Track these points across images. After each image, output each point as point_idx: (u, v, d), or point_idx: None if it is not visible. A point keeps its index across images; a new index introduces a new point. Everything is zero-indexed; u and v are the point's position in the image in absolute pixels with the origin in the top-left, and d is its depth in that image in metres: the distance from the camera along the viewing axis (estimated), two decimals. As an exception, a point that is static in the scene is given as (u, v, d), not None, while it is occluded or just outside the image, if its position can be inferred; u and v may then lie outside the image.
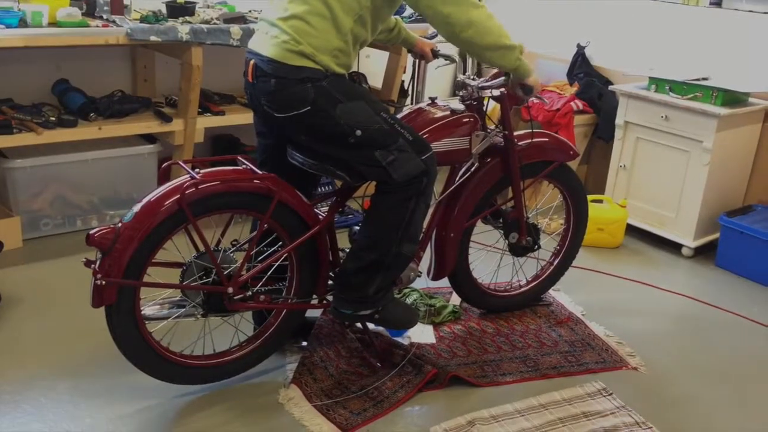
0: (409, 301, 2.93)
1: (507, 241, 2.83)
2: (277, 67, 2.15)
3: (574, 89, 4.24)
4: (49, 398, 2.30)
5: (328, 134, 2.20)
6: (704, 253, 3.70)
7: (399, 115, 2.47)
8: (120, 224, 2.07)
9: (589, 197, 3.15)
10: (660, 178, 3.72)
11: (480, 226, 2.83)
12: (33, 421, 2.20)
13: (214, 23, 3.40)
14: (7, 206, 3.32)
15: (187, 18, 3.39)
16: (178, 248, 2.27)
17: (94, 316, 2.24)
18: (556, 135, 2.94)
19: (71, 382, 2.38)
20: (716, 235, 3.65)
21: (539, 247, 2.87)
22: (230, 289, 2.24)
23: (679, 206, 3.66)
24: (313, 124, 2.18)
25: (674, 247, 3.72)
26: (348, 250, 2.45)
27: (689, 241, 3.65)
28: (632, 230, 3.84)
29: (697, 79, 3.61)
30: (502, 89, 2.54)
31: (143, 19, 3.26)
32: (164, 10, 3.43)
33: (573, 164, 3.61)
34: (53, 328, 2.68)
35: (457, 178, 2.66)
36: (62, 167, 3.37)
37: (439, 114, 2.53)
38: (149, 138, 3.61)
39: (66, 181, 3.40)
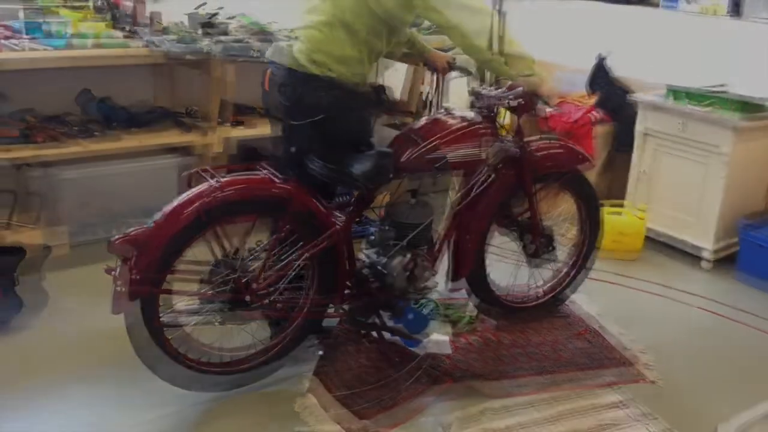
0: (425, 311, 2.93)
1: (522, 246, 2.83)
2: (293, 75, 2.18)
3: (593, 100, 4.23)
4: (65, 403, 2.33)
5: (342, 141, 2.22)
6: (724, 265, 3.66)
7: (415, 125, 2.49)
8: (142, 232, 2.10)
9: (607, 205, 3.13)
10: (678, 188, 3.70)
11: (497, 238, 2.83)
12: (48, 426, 2.22)
13: (246, 42, 3.40)
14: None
15: (220, 38, 3.39)
16: (200, 255, 2.29)
17: (114, 322, 2.26)
18: (570, 144, 2.93)
19: (87, 388, 2.41)
20: (735, 249, 3.61)
21: (554, 249, 2.87)
22: (248, 297, 2.26)
23: (699, 215, 3.63)
24: (327, 131, 2.21)
25: (693, 259, 3.69)
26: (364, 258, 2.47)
27: (708, 253, 3.62)
28: (651, 241, 3.81)
29: (715, 87, 3.58)
30: (519, 99, 2.55)
31: (180, 40, 3.28)
32: (186, 22, 3.47)
33: (592, 173, 3.59)
34: (72, 333, 2.71)
35: (473, 187, 2.66)
36: (91, 177, 3.40)
37: (455, 123, 2.54)
38: (171, 148, 3.65)
39: (89, 190, 3.43)
